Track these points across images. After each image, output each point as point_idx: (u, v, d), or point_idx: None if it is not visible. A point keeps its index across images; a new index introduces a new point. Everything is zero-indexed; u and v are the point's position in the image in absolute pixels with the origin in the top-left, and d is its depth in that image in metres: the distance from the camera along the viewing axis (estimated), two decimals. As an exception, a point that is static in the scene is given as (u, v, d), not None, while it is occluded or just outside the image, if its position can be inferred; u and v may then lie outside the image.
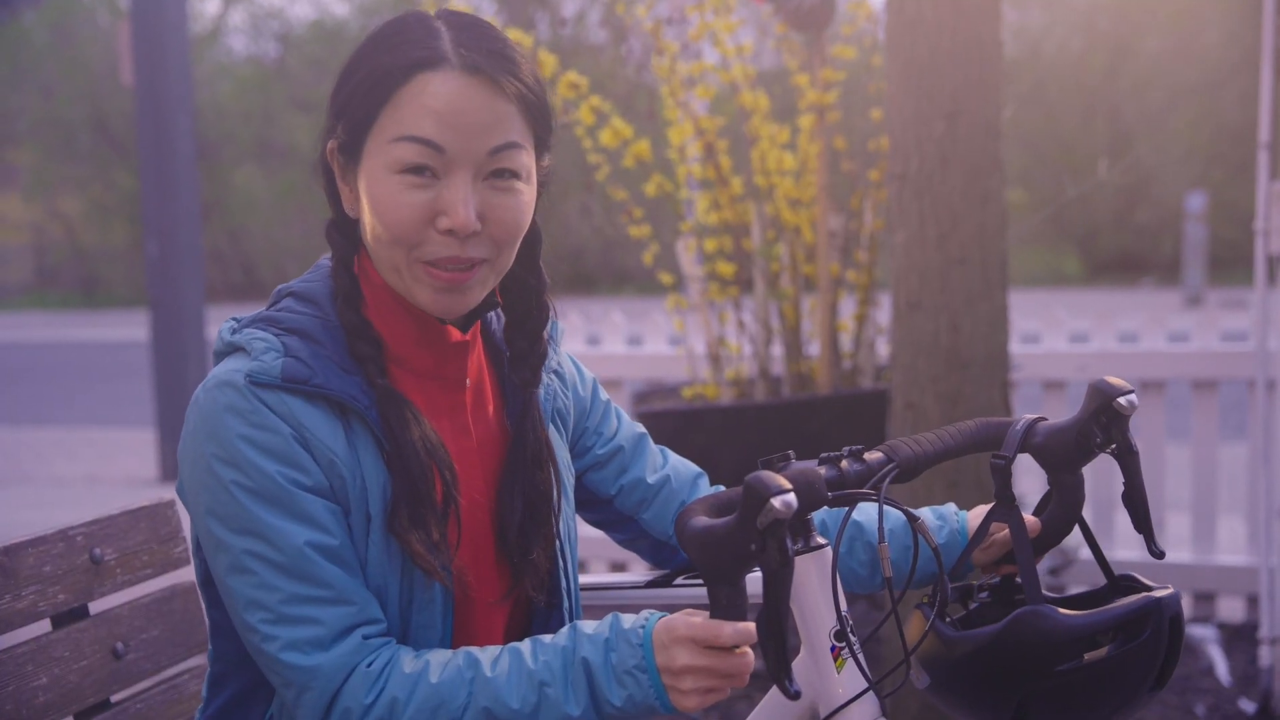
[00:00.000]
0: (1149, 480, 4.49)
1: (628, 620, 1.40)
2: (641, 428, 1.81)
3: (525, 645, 1.42)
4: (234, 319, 1.52)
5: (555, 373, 1.68)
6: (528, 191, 1.49)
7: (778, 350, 4.13)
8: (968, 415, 3.13)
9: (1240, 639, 4.17)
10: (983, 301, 3.15)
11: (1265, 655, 3.52)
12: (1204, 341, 4.47)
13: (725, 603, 1.33)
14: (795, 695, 1.31)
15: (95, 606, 1.83)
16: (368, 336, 1.48)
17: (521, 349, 1.61)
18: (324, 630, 1.40)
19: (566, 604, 1.63)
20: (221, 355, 1.49)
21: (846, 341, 4.07)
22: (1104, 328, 4.58)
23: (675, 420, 3.75)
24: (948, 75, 3.10)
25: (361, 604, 1.42)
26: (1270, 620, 3.51)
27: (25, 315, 22.18)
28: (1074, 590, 1.69)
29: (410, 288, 1.47)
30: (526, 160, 1.47)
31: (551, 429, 1.64)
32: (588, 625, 1.42)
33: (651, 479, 1.77)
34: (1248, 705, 3.62)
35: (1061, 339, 4.62)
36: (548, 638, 1.43)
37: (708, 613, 1.36)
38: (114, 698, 1.84)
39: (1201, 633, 4.20)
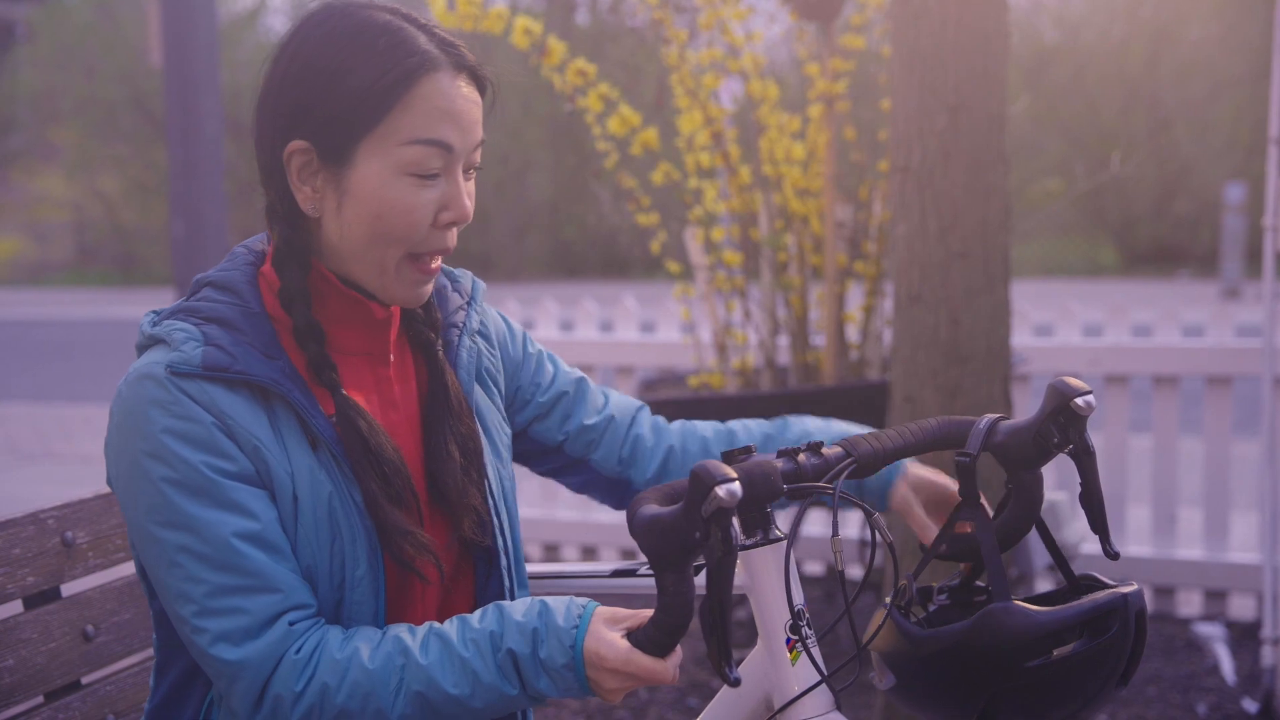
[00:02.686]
0: (1162, 475, 4.46)
1: (559, 612, 1.42)
2: (579, 372, 1.85)
3: (452, 628, 1.44)
4: (154, 311, 1.54)
5: (479, 333, 1.71)
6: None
7: (784, 340, 4.12)
8: (967, 409, 3.12)
9: (1250, 637, 4.13)
10: (984, 296, 3.13)
11: (1268, 655, 3.48)
12: (1219, 336, 4.43)
13: (672, 590, 1.34)
14: (735, 683, 1.33)
15: (67, 589, 1.85)
16: (314, 331, 1.51)
17: (418, 314, 1.65)
18: (250, 619, 1.42)
19: (504, 561, 1.64)
20: (143, 349, 1.51)
21: (854, 333, 4.06)
22: (1118, 321, 4.54)
23: (678, 409, 3.75)
24: (951, 68, 3.08)
25: (288, 591, 1.44)
26: (1273, 619, 3.47)
27: (65, 292, 22.42)
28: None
29: (390, 285, 1.52)
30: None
31: (479, 389, 1.68)
32: (515, 609, 1.44)
33: (594, 420, 1.81)
34: (1250, 705, 3.59)
35: (1075, 332, 4.59)
36: (474, 618, 1.45)
37: (635, 623, 1.39)
38: (84, 679, 1.86)
39: (1208, 631, 4.17)
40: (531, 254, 21.14)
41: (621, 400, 1.85)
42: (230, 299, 1.52)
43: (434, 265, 1.53)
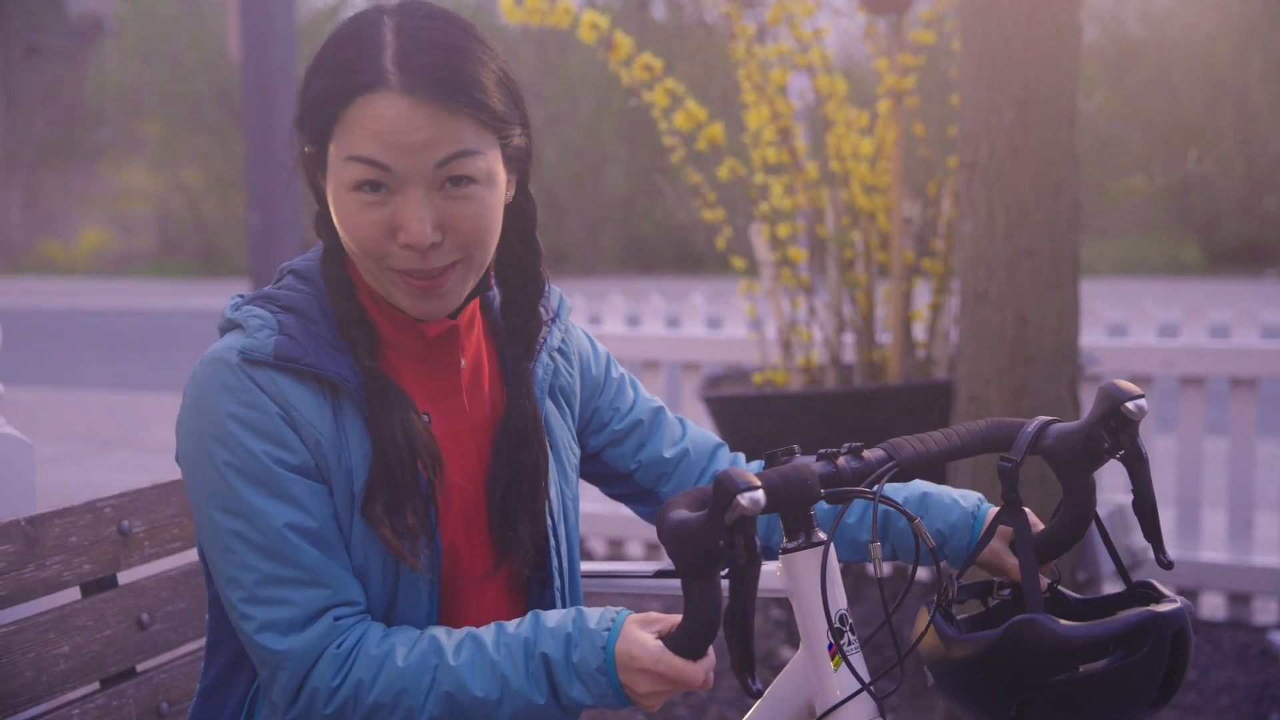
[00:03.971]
0: (1239, 480, 4.36)
1: (592, 617, 1.42)
2: (659, 401, 1.81)
3: (488, 632, 1.44)
4: (240, 295, 1.55)
5: (559, 350, 1.68)
6: (489, 194, 1.48)
7: (850, 338, 4.08)
8: (1033, 410, 3.08)
9: (1327, 647, 4.03)
10: (1052, 294, 3.09)
11: (1344, 666, 3.40)
12: (1299, 339, 4.32)
13: (698, 597, 1.33)
14: (757, 694, 1.33)
15: (123, 577, 1.88)
16: (359, 320, 1.51)
17: (516, 324, 1.63)
18: (297, 612, 1.43)
19: (558, 583, 1.63)
20: (223, 331, 1.52)
21: (921, 331, 4.01)
22: (1194, 320, 4.45)
23: (740, 406, 3.73)
24: (1020, 62, 3.04)
25: (336, 587, 1.45)
26: (1350, 630, 3.39)
27: (148, 283, 22.83)
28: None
29: (389, 292, 1.50)
30: (483, 164, 1.46)
31: (551, 405, 1.65)
32: (550, 617, 1.44)
33: (669, 453, 1.77)
34: (1326, 717, 3.50)
35: (1150, 332, 4.50)
36: (511, 625, 1.45)
37: (666, 626, 1.38)
38: (139, 666, 1.88)
39: (1284, 640, 4.07)
40: (606, 249, 21.15)
41: (700, 435, 1.81)
42: (309, 289, 1.53)
43: (428, 283, 1.47)
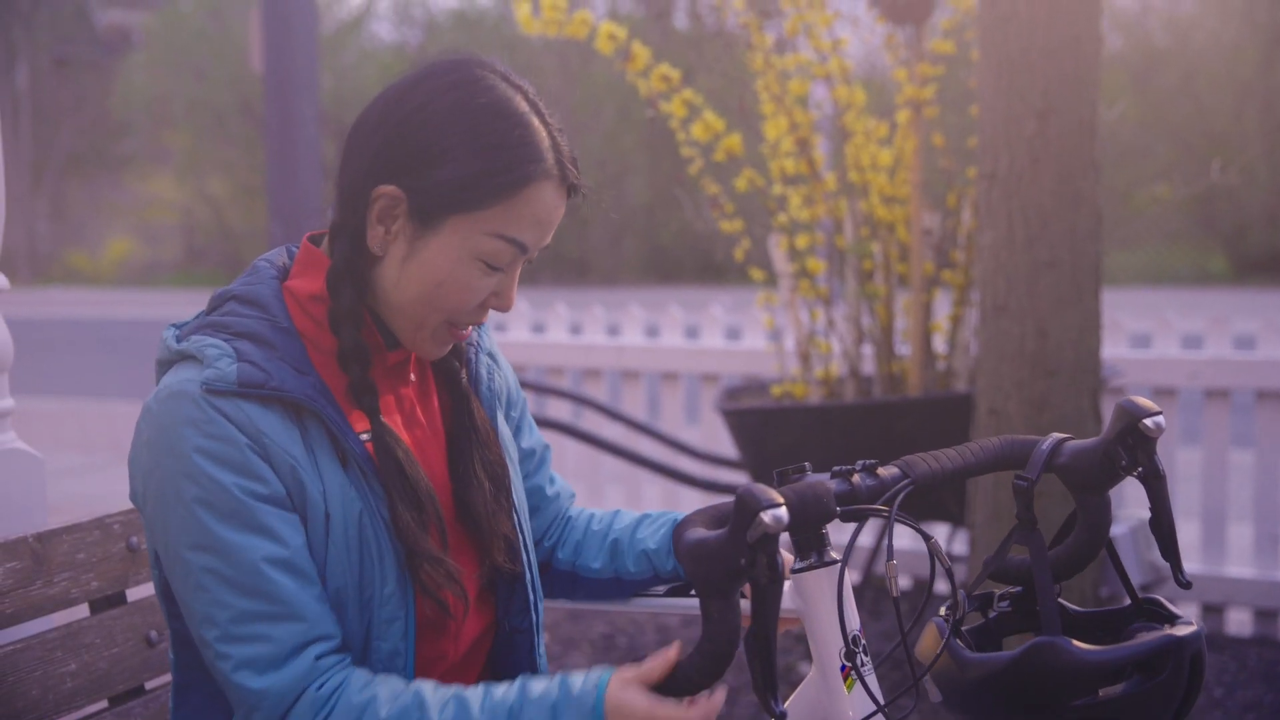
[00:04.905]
0: (1265, 494, 4.31)
1: (575, 683, 1.39)
2: (545, 441, 1.86)
3: (475, 694, 1.41)
4: (174, 326, 1.52)
5: (490, 355, 1.73)
6: None
7: (869, 350, 4.06)
8: (1054, 423, 3.05)
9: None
10: (1072, 306, 3.05)
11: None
12: (1326, 350, 4.27)
13: (717, 617, 1.31)
14: (780, 716, 1.29)
15: (132, 594, 1.87)
16: (362, 357, 1.50)
17: None
18: (275, 648, 1.40)
19: (528, 576, 1.65)
20: (168, 364, 1.49)
21: (941, 343, 3.98)
22: (1219, 332, 4.39)
23: (759, 419, 3.71)
24: (1040, 72, 3.01)
25: (313, 620, 1.42)
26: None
27: (174, 293, 22.96)
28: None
29: (422, 341, 1.54)
30: None
31: (496, 406, 1.69)
32: (536, 684, 1.41)
33: (550, 491, 1.83)
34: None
35: (1173, 343, 4.45)
36: (498, 689, 1.42)
37: (650, 671, 1.36)
38: (148, 684, 1.87)
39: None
40: (628, 258, 21.18)
41: (564, 484, 1.88)
42: (258, 314, 1.49)
43: (468, 331, 1.57)
